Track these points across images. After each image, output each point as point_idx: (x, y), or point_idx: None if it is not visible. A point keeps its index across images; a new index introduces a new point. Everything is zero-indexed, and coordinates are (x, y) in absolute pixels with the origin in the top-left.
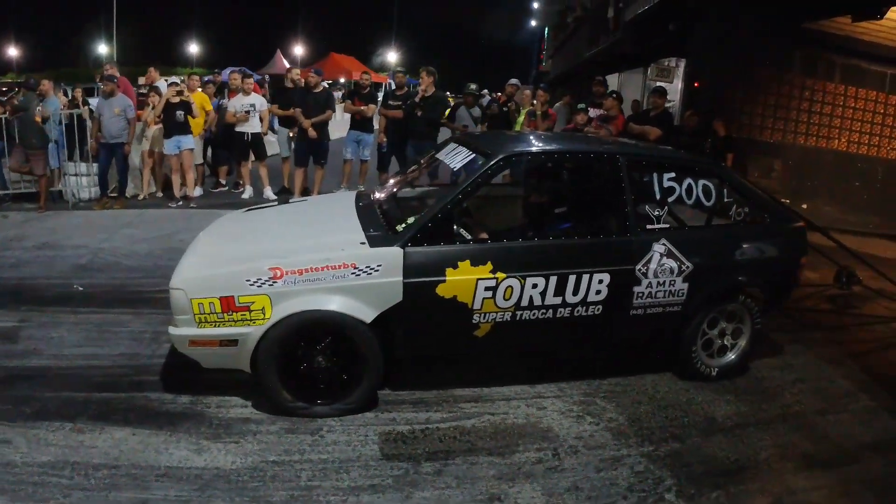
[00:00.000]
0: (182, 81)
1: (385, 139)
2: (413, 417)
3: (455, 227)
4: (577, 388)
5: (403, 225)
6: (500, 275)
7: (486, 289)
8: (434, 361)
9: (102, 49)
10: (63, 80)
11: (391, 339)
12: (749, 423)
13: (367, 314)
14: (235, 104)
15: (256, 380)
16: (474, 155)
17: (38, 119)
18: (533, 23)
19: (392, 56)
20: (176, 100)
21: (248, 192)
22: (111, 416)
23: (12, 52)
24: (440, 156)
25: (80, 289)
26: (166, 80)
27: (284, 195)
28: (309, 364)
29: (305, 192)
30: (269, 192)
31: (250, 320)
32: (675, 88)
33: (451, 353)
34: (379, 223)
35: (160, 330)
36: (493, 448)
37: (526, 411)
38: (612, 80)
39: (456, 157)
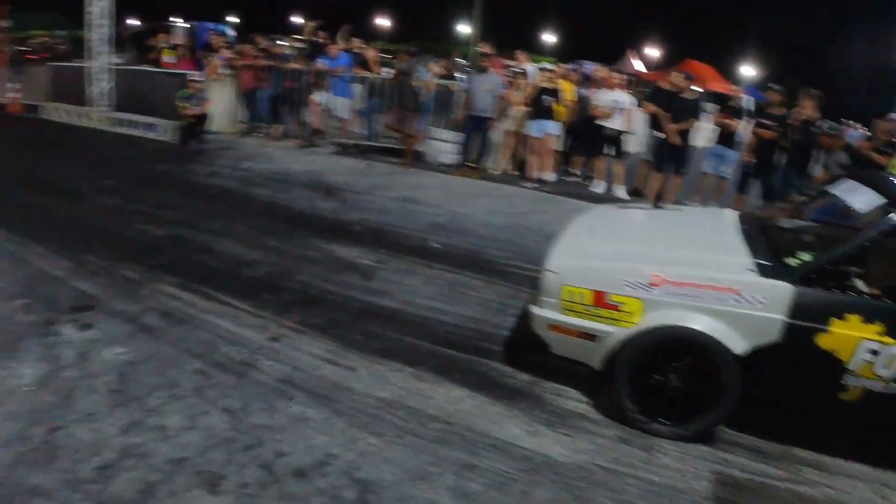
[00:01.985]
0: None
1: (751, 159)
2: (749, 465)
3: (850, 275)
4: None
5: (797, 261)
6: (889, 340)
7: (869, 351)
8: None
9: (462, 28)
10: (431, 53)
11: (752, 376)
12: None
13: (739, 345)
14: (601, 98)
15: (600, 380)
16: (882, 199)
17: (416, 84)
18: None
19: (748, 70)
20: (546, 85)
21: (600, 187)
22: (451, 373)
23: (385, 22)
24: (834, 190)
25: (437, 245)
26: (534, 65)
27: (636, 197)
28: (661, 379)
29: (658, 197)
30: (620, 191)
31: (616, 320)
32: None
33: (810, 408)
34: (766, 252)
35: (508, 303)
36: None
37: (867, 496)
38: None
39: (856, 196)
